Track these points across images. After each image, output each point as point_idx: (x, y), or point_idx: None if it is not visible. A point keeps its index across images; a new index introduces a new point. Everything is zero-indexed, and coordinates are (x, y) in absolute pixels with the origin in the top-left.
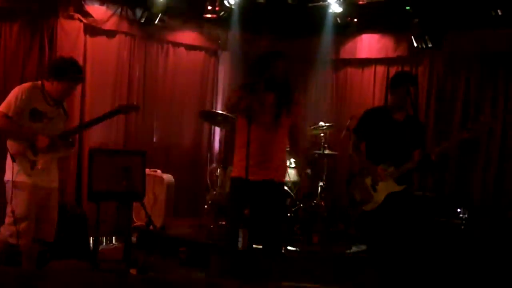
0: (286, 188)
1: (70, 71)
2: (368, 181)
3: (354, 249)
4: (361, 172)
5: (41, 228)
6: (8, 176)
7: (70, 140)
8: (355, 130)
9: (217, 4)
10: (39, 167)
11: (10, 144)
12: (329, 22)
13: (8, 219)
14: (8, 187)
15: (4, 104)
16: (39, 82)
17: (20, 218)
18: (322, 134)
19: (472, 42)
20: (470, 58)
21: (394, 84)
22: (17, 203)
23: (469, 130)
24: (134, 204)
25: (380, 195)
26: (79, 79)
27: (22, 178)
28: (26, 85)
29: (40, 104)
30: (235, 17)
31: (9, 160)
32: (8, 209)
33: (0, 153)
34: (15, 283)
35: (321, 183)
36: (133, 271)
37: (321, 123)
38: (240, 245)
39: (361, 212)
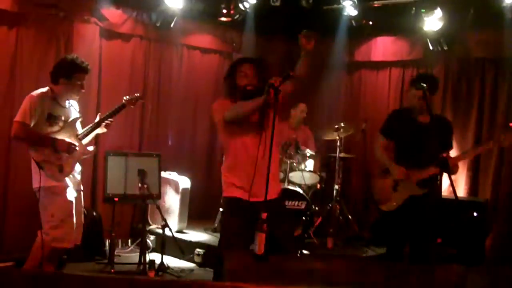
0: (301, 191)
1: (78, 65)
2: (390, 181)
3: (369, 252)
4: (383, 172)
5: None
6: (36, 183)
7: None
8: (381, 130)
9: (232, 7)
10: (67, 169)
11: (33, 153)
12: (343, 24)
13: (48, 224)
14: (42, 194)
15: (19, 114)
16: (47, 88)
17: (63, 220)
18: (337, 137)
19: (487, 44)
20: (484, 60)
21: (408, 86)
22: (56, 207)
23: (494, 142)
24: (150, 206)
25: (400, 196)
26: (87, 69)
27: (54, 183)
28: (36, 93)
29: (53, 109)
30: (250, 20)
31: (35, 168)
32: (45, 215)
33: (19, 162)
34: (32, 285)
35: (336, 187)
36: (150, 273)
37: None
38: (256, 249)
39: (380, 213)
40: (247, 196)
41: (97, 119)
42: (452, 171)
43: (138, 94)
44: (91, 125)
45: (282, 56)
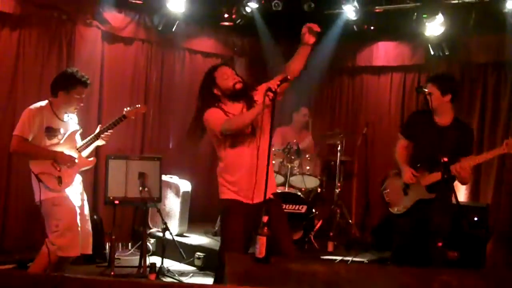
0: (301, 195)
1: (77, 78)
2: (401, 184)
3: (369, 256)
4: (397, 174)
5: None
6: (37, 197)
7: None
8: (401, 131)
9: (234, 11)
10: (66, 181)
11: (32, 166)
12: (345, 29)
13: (53, 234)
14: (44, 207)
15: (18, 127)
16: (46, 101)
17: (67, 229)
18: (338, 141)
19: (489, 49)
20: (486, 65)
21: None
22: (60, 216)
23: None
24: (150, 210)
25: (409, 200)
26: (87, 82)
27: (54, 194)
28: (34, 106)
29: (52, 122)
30: (252, 24)
31: (35, 182)
32: (50, 226)
33: (21, 165)
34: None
35: (336, 190)
36: (150, 277)
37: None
38: (257, 252)
39: (384, 217)
40: (244, 198)
41: (97, 130)
42: (460, 177)
43: (139, 105)
44: (90, 137)
45: (284, 61)
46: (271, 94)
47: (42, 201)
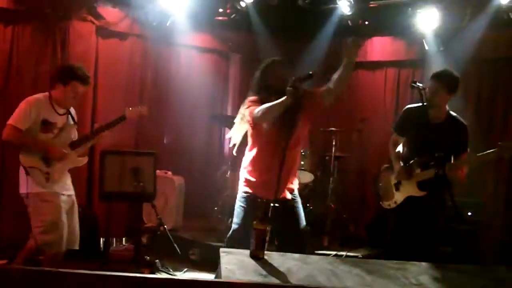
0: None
1: (77, 73)
2: (393, 179)
3: (364, 251)
4: (389, 168)
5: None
6: (23, 189)
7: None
8: (395, 126)
9: (229, 6)
10: (54, 177)
11: (22, 158)
12: (340, 25)
13: (38, 230)
14: (30, 200)
15: (13, 117)
16: (46, 93)
17: (53, 225)
18: (333, 137)
19: (484, 45)
20: (481, 60)
21: None
22: (46, 213)
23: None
24: (145, 205)
25: (400, 196)
26: (86, 80)
27: (40, 189)
28: (33, 97)
29: (49, 115)
30: (247, 19)
31: (22, 173)
32: (35, 221)
33: (15, 160)
34: (26, 283)
35: (331, 186)
36: (146, 271)
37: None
38: (252, 246)
39: (378, 211)
40: (264, 194)
41: (94, 128)
42: (450, 175)
43: (140, 106)
44: (85, 134)
45: (280, 55)
46: (294, 90)
47: (29, 194)
